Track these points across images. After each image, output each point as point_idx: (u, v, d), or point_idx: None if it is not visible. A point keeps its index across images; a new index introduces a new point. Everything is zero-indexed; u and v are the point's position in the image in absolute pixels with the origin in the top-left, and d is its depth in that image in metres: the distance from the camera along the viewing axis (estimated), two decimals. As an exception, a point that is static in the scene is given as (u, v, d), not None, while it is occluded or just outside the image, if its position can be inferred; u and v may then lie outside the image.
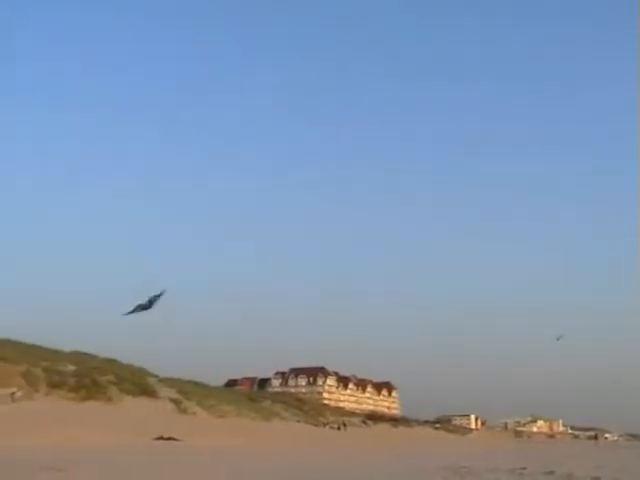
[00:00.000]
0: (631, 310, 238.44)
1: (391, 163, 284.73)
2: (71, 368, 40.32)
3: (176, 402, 44.99)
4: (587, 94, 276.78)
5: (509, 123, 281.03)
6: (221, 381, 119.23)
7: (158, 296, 31.38)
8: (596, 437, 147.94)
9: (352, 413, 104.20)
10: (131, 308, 31.20)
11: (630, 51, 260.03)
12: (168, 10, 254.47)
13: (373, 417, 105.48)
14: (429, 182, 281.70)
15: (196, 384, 56.41)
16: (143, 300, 31.16)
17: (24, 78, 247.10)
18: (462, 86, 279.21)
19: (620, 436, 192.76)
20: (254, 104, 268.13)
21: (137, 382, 44.30)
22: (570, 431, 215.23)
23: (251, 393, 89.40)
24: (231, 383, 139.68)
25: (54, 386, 36.26)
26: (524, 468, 22.70)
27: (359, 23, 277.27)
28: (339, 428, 70.71)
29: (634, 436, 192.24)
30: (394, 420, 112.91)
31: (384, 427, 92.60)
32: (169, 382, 49.85)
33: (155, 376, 49.88)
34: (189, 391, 49.83)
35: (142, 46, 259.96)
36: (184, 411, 44.29)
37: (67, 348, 47.35)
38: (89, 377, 39.61)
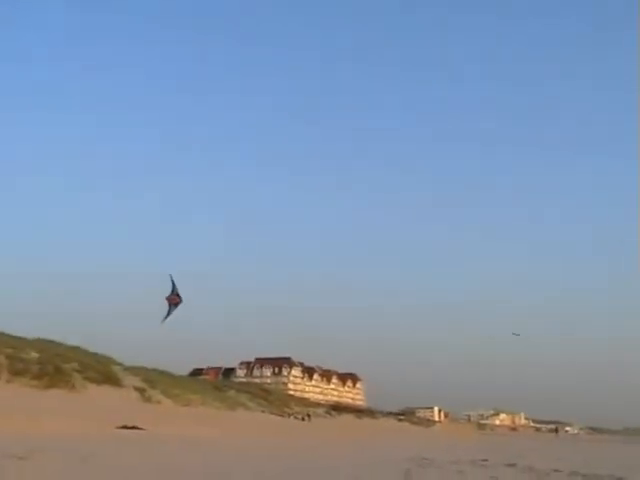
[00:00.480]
0: (630, 310, 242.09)
1: (391, 163, 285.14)
2: (34, 355, 39.77)
3: (140, 390, 44.79)
4: (587, 94, 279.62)
5: (509, 123, 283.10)
6: (186, 370, 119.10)
7: (172, 282, 32.08)
8: (556, 430, 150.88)
9: (317, 404, 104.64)
10: (165, 313, 31.87)
11: (630, 51, 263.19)
12: (168, 10, 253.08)
13: (338, 408, 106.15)
14: (429, 182, 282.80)
15: (161, 373, 56.22)
16: (167, 293, 31.89)
17: (24, 78, 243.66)
18: (462, 86, 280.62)
19: (581, 429, 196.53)
20: (254, 104, 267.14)
21: (101, 370, 43.96)
22: (532, 424, 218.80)
23: (216, 382, 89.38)
24: (196, 372, 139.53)
25: (17, 373, 35.75)
26: (485, 460, 23.03)
27: (359, 23, 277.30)
28: (304, 419, 70.95)
29: (594, 429, 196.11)
30: (358, 411, 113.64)
31: (348, 418, 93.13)
32: (134, 370, 49.57)
33: (120, 364, 49.54)
34: (154, 380, 49.61)
35: (142, 46, 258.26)
36: (148, 400, 44.11)
37: (31, 335, 46.78)
38: (53, 364, 39.15)
